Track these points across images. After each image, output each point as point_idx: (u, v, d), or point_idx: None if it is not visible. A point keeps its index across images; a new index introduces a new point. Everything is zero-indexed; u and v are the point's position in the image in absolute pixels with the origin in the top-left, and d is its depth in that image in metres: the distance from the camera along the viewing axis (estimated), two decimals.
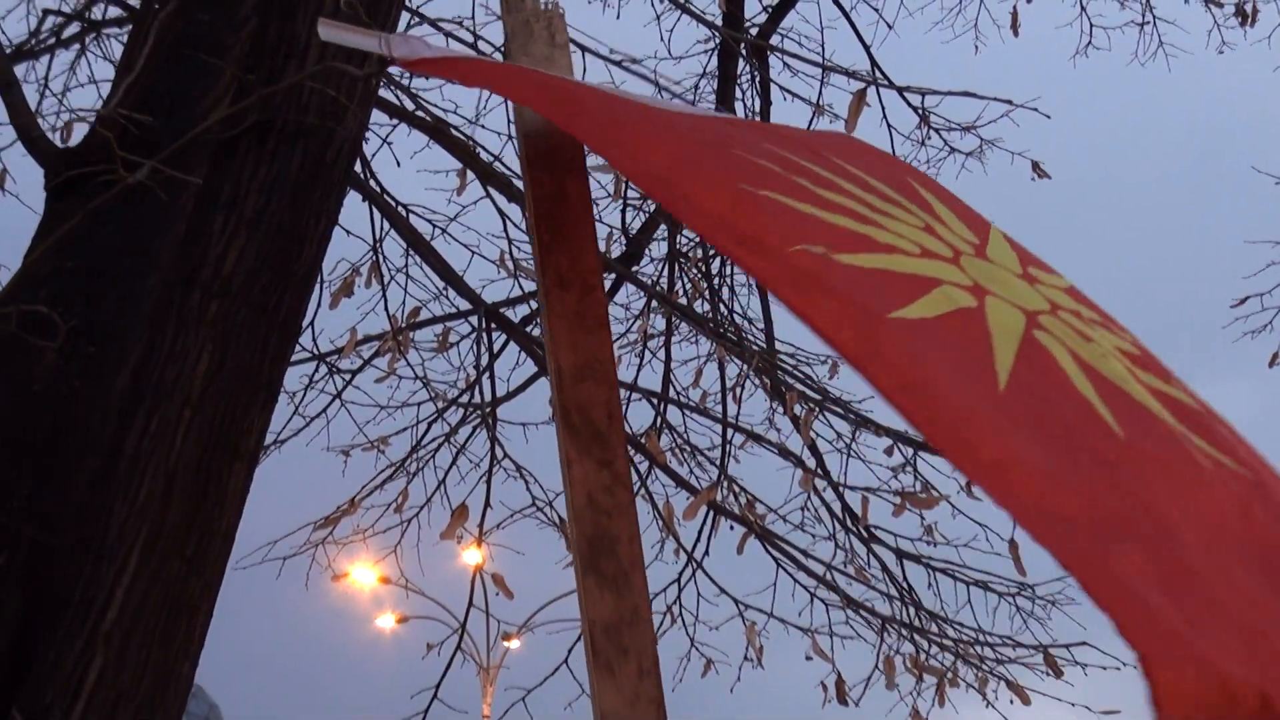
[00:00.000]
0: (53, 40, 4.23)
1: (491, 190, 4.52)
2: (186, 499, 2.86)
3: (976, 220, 2.44)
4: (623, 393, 4.86)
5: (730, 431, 4.99)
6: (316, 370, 4.85)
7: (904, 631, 5.14)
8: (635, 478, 4.78)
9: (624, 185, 4.83)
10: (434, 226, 4.57)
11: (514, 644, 5.63)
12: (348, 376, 4.88)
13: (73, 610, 2.69)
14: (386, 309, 4.73)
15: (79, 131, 4.23)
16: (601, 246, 4.63)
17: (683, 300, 5.49)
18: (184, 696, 2.95)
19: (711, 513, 4.92)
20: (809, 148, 2.29)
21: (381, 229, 4.50)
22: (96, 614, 2.71)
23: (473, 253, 4.81)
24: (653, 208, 5.17)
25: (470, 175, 4.51)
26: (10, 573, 2.67)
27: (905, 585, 5.15)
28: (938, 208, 2.37)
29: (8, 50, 3.92)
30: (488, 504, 4.84)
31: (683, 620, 5.29)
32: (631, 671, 1.71)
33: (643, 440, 4.78)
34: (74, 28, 4.30)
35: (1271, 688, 1.26)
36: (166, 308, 2.91)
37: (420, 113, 4.40)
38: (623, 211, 5.42)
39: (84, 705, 2.66)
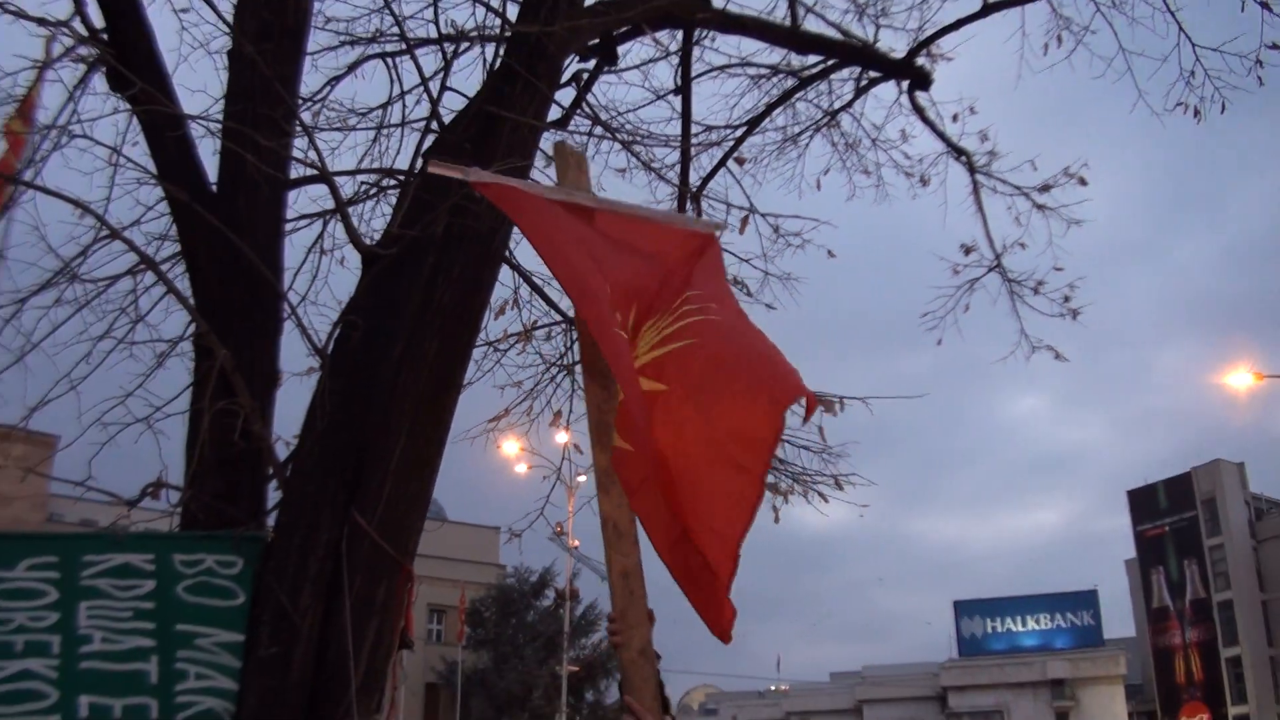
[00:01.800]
0: (374, 191, 7.98)
1: None
2: (428, 409, 5.81)
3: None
4: None
5: None
6: (487, 351, 8.73)
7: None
8: None
9: None
10: (536, 280, 8.55)
11: (583, 479, 9.32)
12: (504, 350, 8.82)
13: (378, 459, 5.68)
14: (520, 318, 8.71)
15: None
16: None
17: None
18: (428, 496, 5.97)
19: None
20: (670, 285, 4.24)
21: (515, 280, 8.50)
22: (389, 457, 5.67)
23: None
24: None
25: None
26: (354, 442, 5.68)
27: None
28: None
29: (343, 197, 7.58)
30: (570, 410, 8.86)
31: None
32: (617, 492, 3.91)
33: None
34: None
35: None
36: (417, 317, 5.85)
37: None
38: None
39: (383, 504, 5.57)
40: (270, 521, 5.88)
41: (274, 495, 6.05)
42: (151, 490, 5.75)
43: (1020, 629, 78.04)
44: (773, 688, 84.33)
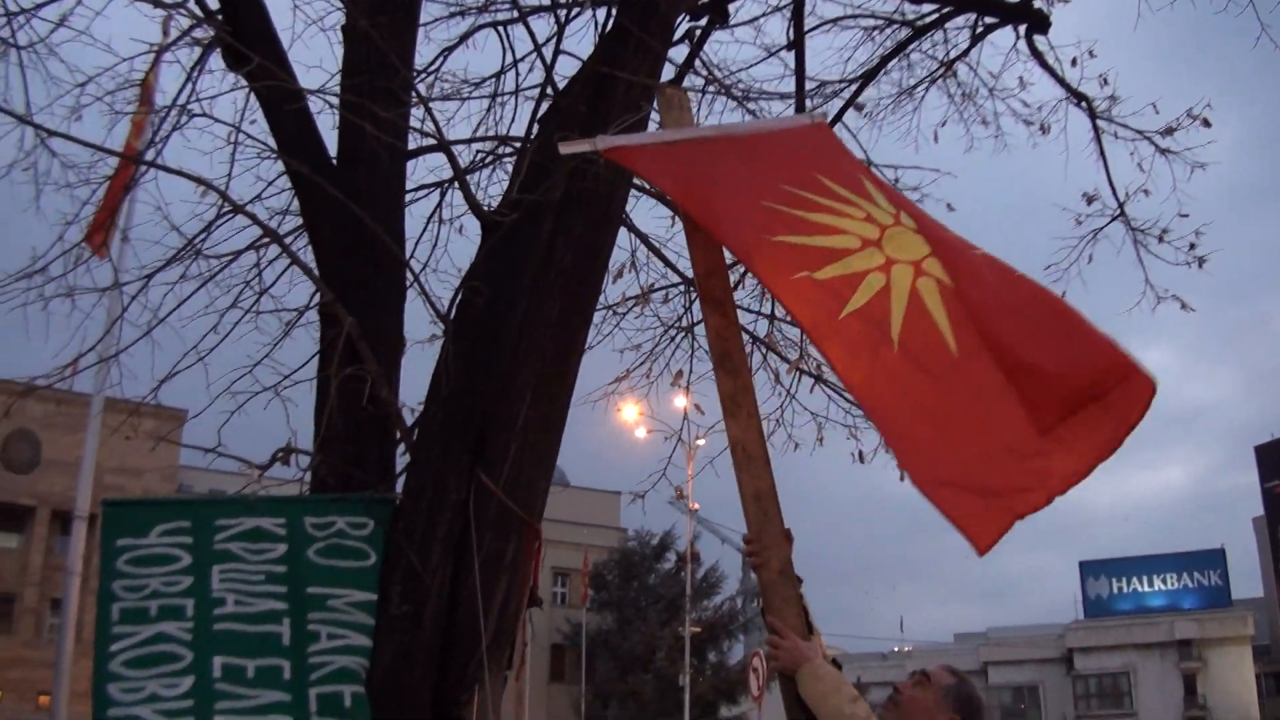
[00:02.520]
0: (490, 159, 7.94)
1: None
2: (551, 371, 5.88)
3: (895, 196, 4.18)
4: None
5: None
6: (606, 315, 8.73)
7: None
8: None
9: None
10: (654, 241, 8.58)
11: (702, 441, 9.35)
12: (622, 314, 8.86)
13: (503, 422, 5.77)
14: (638, 280, 8.75)
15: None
16: None
17: None
18: (554, 456, 6.04)
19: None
20: (805, 174, 4.04)
21: (632, 243, 8.53)
22: (514, 419, 5.77)
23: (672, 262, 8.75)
24: None
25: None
26: (479, 405, 5.74)
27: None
28: (870, 189, 4.04)
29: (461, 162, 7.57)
30: (690, 371, 8.88)
31: None
32: (744, 415, 3.95)
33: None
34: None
35: (1020, 507, 3.27)
36: (537, 281, 5.91)
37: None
38: None
39: (509, 464, 5.67)
40: (399, 484, 6.00)
41: (401, 459, 6.17)
42: (281, 456, 5.89)
43: (1147, 589, 76.69)
44: (896, 649, 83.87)
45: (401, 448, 6.11)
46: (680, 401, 9.23)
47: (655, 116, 6.09)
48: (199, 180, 6.61)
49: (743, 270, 7.45)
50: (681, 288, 8.58)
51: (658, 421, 10.16)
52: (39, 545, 63.27)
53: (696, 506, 41.75)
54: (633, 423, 23.99)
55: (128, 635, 5.36)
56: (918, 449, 3.53)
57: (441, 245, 7.71)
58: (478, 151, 7.68)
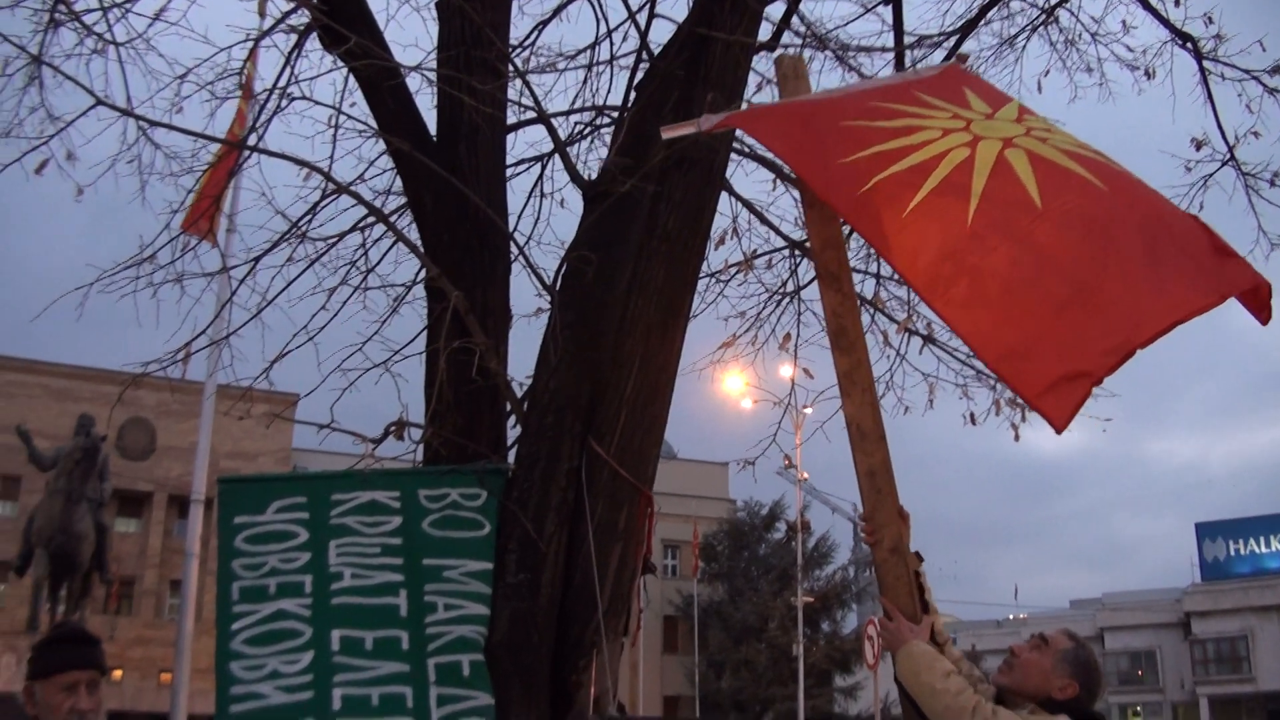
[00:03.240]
0: (589, 130, 7.94)
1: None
2: (658, 337, 5.86)
3: (1000, 99, 4.08)
4: None
5: None
6: (709, 283, 8.68)
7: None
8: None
9: None
10: (757, 206, 8.50)
11: (810, 409, 9.26)
12: (726, 281, 8.81)
13: (612, 390, 5.78)
14: (741, 246, 8.69)
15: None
16: None
17: None
18: (663, 423, 5.99)
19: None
20: (900, 91, 3.99)
21: (734, 208, 8.48)
22: (623, 387, 5.77)
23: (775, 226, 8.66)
24: None
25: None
26: (587, 373, 5.76)
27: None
28: (970, 97, 3.98)
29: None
30: (796, 336, 8.81)
31: None
32: (859, 392, 3.91)
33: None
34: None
35: (1097, 370, 3.08)
36: (640, 248, 5.91)
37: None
38: None
39: (620, 432, 5.68)
40: (510, 455, 6.03)
41: (512, 430, 6.20)
42: (394, 429, 5.94)
43: (1265, 550, 74.84)
44: (1011, 617, 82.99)
45: (512, 419, 6.15)
46: (787, 370, 9.17)
47: (754, 78, 6.05)
48: (302, 163, 6.68)
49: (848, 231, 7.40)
50: (785, 252, 8.50)
51: (764, 391, 10.10)
52: (157, 529, 65.14)
53: (805, 476, 41.58)
54: (738, 393, 23.93)
55: (248, 613, 5.45)
56: (989, 325, 3.43)
57: (543, 219, 7.74)
58: (576, 123, 7.69)
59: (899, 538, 3.84)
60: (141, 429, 63.72)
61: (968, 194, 3.54)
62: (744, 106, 6.00)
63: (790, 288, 8.66)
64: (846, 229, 4.54)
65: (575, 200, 6.80)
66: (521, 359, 6.41)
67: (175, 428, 62.43)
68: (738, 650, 62.44)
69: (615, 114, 7.11)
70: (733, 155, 6.93)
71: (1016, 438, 8.73)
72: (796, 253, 8.31)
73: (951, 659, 3.87)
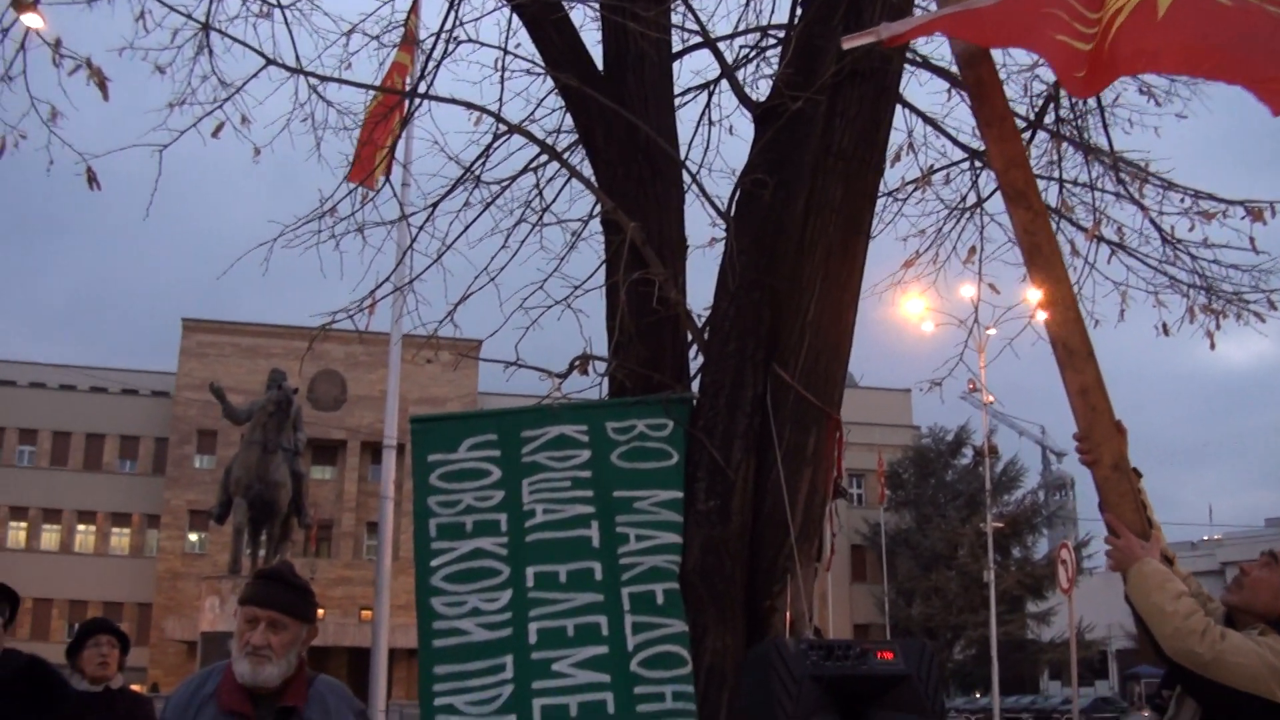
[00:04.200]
0: (753, 53, 7.84)
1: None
2: (838, 257, 5.71)
3: None
4: None
5: None
6: (886, 202, 8.44)
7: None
8: None
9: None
10: (931, 119, 8.26)
11: (993, 331, 9.03)
12: (903, 200, 8.62)
13: (794, 313, 5.65)
14: (917, 162, 8.48)
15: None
16: None
17: None
18: (848, 345, 5.84)
19: None
20: None
21: (909, 123, 8.27)
22: (805, 309, 5.64)
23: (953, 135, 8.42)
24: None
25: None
26: (768, 298, 5.70)
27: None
28: None
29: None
30: (980, 250, 8.59)
31: None
32: (1061, 309, 3.87)
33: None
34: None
35: None
36: (815, 166, 5.76)
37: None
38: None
39: (804, 355, 5.56)
40: (694, 384, 6.02)
41: (695, 360, 6.19)
42: (578, 364, 5.99)
43: None
44: (1206, 538, 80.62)
45: (694, 348, 6.13)
46: (968, 290, 8.96)
47: None
48: (472, 106, 6.74)
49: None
50: (965, 164, 8.26)
51: (946, 314, 9.89)
52: (352, 475, 67.69)
53: (991, 399, 40.81)
54: (919, 316, 23.53)
55: (447, 550, 5.56)
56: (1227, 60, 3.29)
57: (713, 148, 7.67)
58: (741, 46, 7.58)
59: (1119, 453, 3.75)
60: (332, 380, 66.05)
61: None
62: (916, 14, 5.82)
63: (971, 201, 8.42)
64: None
65: (744, 127, 6.72)
66: (698, 290, 6.40)
67: (364, 378, 64.62)
68: (927, 578, 62.09)
69: (781, 34, 6.97)
70: (906, 66, 6.73)
71: (1212, 346, 8.39)
72: (976, 164, 8.07)
73: (1179, 576, 3.77)
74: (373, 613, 19.23)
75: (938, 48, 7.53)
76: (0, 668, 3.80)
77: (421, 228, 7.25)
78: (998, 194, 7.98)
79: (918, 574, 62.92)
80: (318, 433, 58.85)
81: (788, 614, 5.49)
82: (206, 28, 7.18)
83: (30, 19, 6.74)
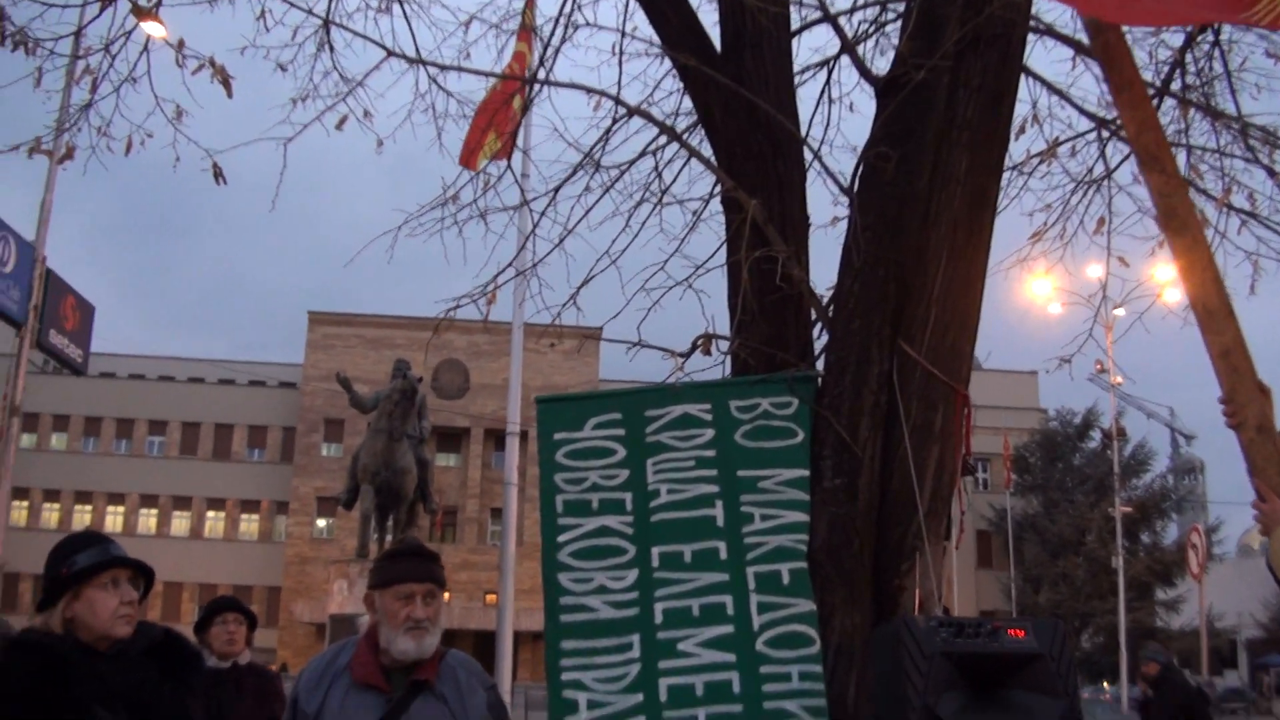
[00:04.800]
0: (872, 28, 7.75)
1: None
2: (965, 229, 5.68)
3: None
4: None
5: None
6: (1010, 176, 8.20)
7: None
8: None
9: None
10: (1057, 88, 8.06)
11: (1121, 311, 8.79)
12: (1028, 173, 8.44)
13: (920, 288, 5.61)
14: (1042, 134, 8.29)
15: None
16: None
17: None
18: (975, 320, 5.75)
19: None
20: None
21: (1033, 93, 8.05)
22: (931, 284, 5.61)
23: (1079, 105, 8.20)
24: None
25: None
26: (893, 274, 5.59)
27: None
28: None
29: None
30: (1108, 223, 8.39)
31: None
32: (1198, 271, 3.72)
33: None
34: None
35: None
36: (939, 138, 5.71)
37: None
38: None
39: (930, 331, 5.51)
40: (819, 362, 5.98)
41: (818, 339, 6.14)
42: (701, 343, 5.98)
43: None
44: None
45: (818, 326, 6.09)
46: (1095, 269, 8.76)
47: None
48: (592, 90, 6.76)
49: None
50: (1092, 135, 8.07)
51: (1072, 294, 9.67)
52: (475, 461, 68.76)
53: (1119, 380, 39.95)
54: (1044, 297, 23.13)
55: (573, 527, 5.58)
56: None
57: (833, 125, 7.61)
58: (860, 21, 7.50)
59: (1263, 414, 3.65)
60: (455, 369, 67.07)
61: None
62: None
63: (1098, 173, 8.23)
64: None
65: (864, 104, 6.65)
66: (819, 268, 6.35)
67: (487, 366, 65.53)
68: (1055, 564, 61.06)
69: (901, 8, 6.88)
70: (1029, 34, 6.59)
71: None
72: (1104, 134, 7.89)
73: None
74: (498, 597, 19.45)
75: (1061, 14, 7.39)
76: (138, 639, 3.92)
77: (543, 213, 7.30)
78: (1125, 166, 7.84)
79: (1045, 560, 61.92)
80: (442, 420, 59.83)
81: (916, 592, 5.43)
82: (327, 23, 7.32)
83: (151, 27, 6.95)
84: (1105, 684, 56.72)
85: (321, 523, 69.83)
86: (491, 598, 50.79)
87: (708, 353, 6.05)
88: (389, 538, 34.29)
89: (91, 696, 3.77)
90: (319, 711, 4.49)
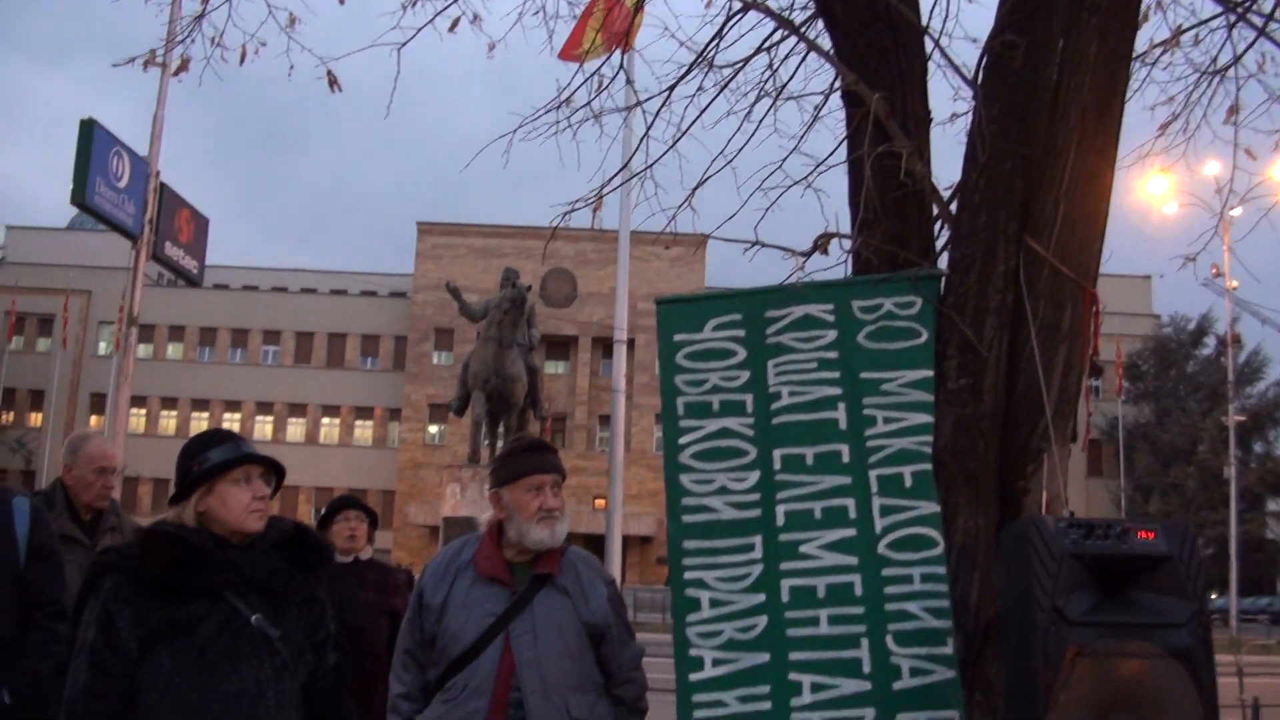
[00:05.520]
0: None
1: None
2: (1094, 119, 5.44)
3: None
4: None
5: None
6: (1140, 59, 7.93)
7: None
8: None
9: None
10: None
11: (1238, 211, 8.46)
12: (1150, 64, 8.12)
13: (1048, 181, 5.41)
14: (1165, 21, 7.95)
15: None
16: None
17: None
18: (1104, 214, 5.58)
19: None
20: None
21: None
22: (1059, 177, 5.38)
23: None
24: None
25: None
26: (1018, 167, 5.38)
27: None
28: None
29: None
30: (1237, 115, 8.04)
31: None
32: None
33: None
34: None
35: None
36: (1068, 24, 5.47)
37: None
38: None
39: (1058, 227, 5.32)
40: (941, 260, 5.85)
41: (939, 236, 6.00)
42: (822, 242, 5.88)
43: None
44: None
45: (940, 223, 5.95)
46: (1211, 168, 8.43)
47: None
48: None
49: None
50: (1219, 21, 7.71)
51: (1190, 195, 9.34)
52: (583, 369, 69.59)
53: (1235, 284, 38.96)
54: (1160, 198, 22.53)
55: (694, 429, 5.54)
56: None
57: (953, 17, 7.38)
58: None
59: None
60: (563, 278, 67.58)
61: None
62: None
63: (1220, 64, 7.86)
64: None
65: None
66: (936, 168, 6.18)
67: (594, 274, 65.96)
68: (1166, 473, 60.23)
69: None
70: None
71: None
72: (1230, 15, 7.54)
73: None
74: (606, 501, 19.66)
75: None
76: (269, 533, 4.03)
77: (658, 113, 7.19)
78: (1251, 53, 7.48)
79: (1156, 469, 61.10)
80: (550, 329, 60.48)
81: (1043, 494, 5.34)
82: None
83: None
84: (1213, 594, 56.07)
85: (433, 429, 71.25)
86: (600, 502, 51.51)
87: (826, 253, 5.95)
88: (499, 443, 34.82)
89: (225, 584, 3.87)
90: (444, 603, 4.65)
